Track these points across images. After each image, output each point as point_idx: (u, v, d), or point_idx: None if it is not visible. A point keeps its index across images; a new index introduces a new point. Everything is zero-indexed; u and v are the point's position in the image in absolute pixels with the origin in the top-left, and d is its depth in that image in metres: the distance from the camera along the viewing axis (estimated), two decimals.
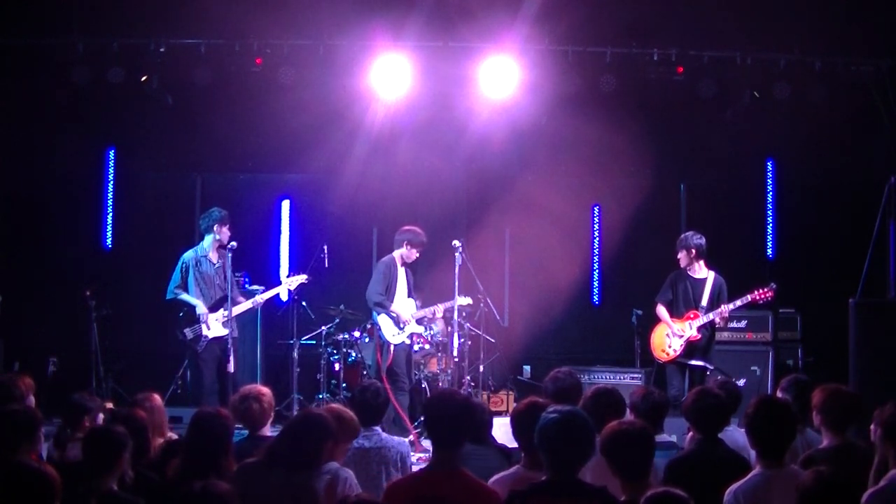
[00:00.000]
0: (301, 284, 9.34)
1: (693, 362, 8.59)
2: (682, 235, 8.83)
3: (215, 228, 8.84)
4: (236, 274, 9.33)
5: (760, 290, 8.51)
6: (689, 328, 8.61)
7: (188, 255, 8.92)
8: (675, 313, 8.74)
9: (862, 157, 10.22)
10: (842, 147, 10.24)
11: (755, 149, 11.11)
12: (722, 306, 8.53)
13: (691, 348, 8.63)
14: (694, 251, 8.68)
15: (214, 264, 8.85)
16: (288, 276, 9.36)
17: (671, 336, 8.68)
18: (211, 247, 8.86)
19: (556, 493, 3.87)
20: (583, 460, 3.95)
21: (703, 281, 8.71)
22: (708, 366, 8.58)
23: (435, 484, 4.10)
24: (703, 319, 8.56)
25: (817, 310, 10.26)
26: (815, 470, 3.76)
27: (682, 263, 8.74)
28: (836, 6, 9.39)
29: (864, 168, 10.08)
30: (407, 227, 9.24)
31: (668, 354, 8.72)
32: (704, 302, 8.63)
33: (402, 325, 9.11)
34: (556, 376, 5.78)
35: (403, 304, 9.22)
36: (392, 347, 9.01)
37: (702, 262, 8.73)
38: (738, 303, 8.54)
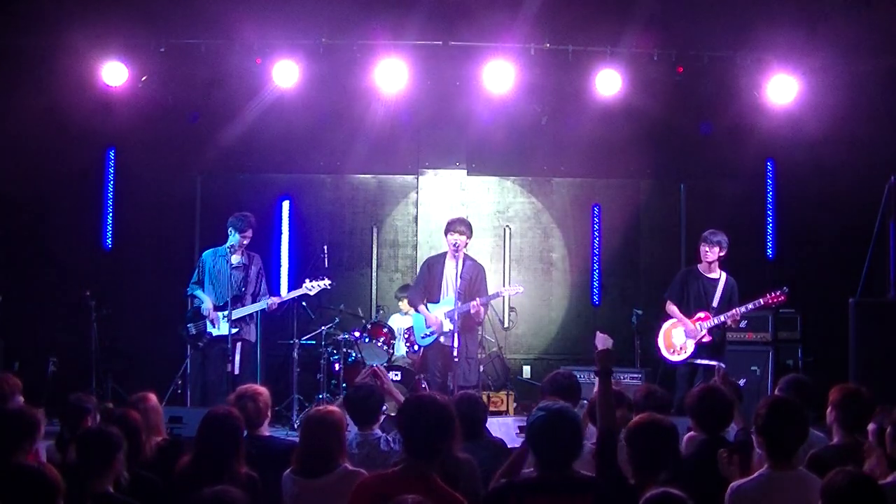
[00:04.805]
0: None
1: (706, 362, 8.31)
2: (709, 232, 8.57)
3: (230, 231, 8.87)
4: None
5: (773, 294, 8.23)
6: (700, 329, 8.41)
7: (207, 252, 9.03)
8: (685, 313, 8.54)
9: (862, 157, 10.21)
10: (842, 147, 10.22)
11: (755, 149, 11.09)
12: (734, 309, 8.31)
13: (701, 349, 8.43)
14: (726, 249, 8.50)
15: (232, 265, 8.84)
16: (310, 281, 9.15)
17: (685, 336, 8.45)
18: (231, 247, 8.86)
19: (546, 489, 3.88)
20: (572, 458, 3.95)
21: (716, 281, 8.53)
22: (721, 364, 8.48)
23: (403, 487, 3.89)
24: (714, 321, 8.35)
25: (817, 310, 10.24)
26: (843, 470, 3.67)
27: (709, 259, 8.50)
28: (835, 6, 9.38)
29: (864, 168, 10.06)
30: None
31: (679, 355, 8.52)
32: (716, 303, 8.45)
33: (430, 329, 8.78)
34: (555, 378, 5.79)
35: (444, 303, 8.74)
36: (421, 349, 8.99)
37: (717, 262, 8.58)
38: (750, 306, 8.30)
